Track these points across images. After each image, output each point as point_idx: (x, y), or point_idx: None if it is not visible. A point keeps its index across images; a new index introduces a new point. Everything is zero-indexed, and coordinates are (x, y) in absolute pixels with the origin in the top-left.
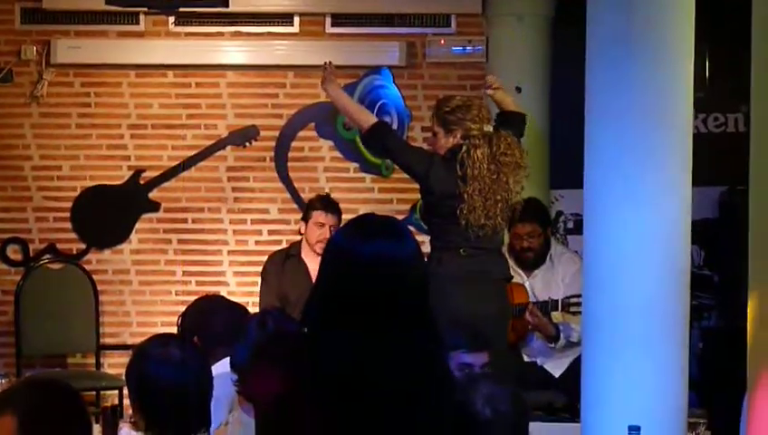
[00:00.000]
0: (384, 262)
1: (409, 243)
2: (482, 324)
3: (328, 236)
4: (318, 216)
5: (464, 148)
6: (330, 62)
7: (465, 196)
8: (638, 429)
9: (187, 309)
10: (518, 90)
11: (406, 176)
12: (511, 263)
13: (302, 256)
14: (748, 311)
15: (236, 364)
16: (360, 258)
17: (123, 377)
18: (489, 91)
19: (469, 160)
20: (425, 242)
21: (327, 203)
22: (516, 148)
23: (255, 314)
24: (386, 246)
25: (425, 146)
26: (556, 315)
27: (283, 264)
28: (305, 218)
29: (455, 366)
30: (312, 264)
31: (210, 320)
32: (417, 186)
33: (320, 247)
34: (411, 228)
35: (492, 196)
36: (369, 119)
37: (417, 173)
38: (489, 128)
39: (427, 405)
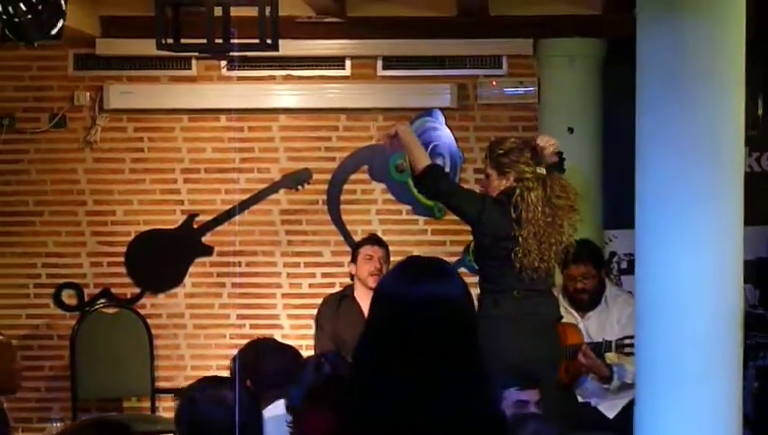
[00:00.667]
0: (433, 304)
1: (457, 284)
2: (535, 364)
3: (378, 267)
4: (365, 250)
5: (518, 191)
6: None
7: (521, 239)
8: None
9: (239, 352)
10: (570, 130)
11: (458, 218)
12: (565, 304)
13: (356, 296)
14: None
15: (291, 406)
16: (408, 301)
17: None
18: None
19: (523, 204)
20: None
21: (372, 238)
22: (570, 191)
23: (311, 356)
24: (434, 287)
25: (477, 188)
26: (610, 356)
27: (337, 307)
28: (354, 259)
29: (509, 404)
30: (366, 304)
31: (263, 363)
32: (467, 228)
33: (372, 281)
34: (464, 270)
35: (546, 239)
36: (424, 161)
37: (470, 217)
38: (542, 170)
39: None
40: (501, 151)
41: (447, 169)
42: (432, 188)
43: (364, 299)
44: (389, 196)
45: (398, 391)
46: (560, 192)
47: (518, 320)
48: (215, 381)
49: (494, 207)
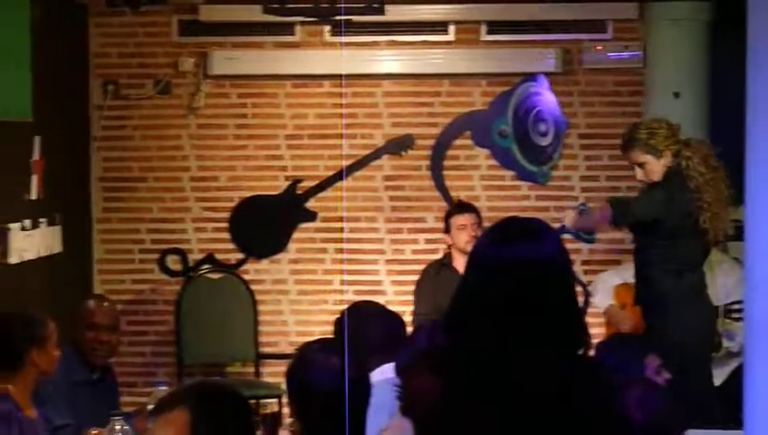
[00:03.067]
0: (527, 264)
1: (551, 243)
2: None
3: (473, 234)
4: (456, 220)
5: (683, 163)
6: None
7: (705, 206)
8: None
9: (342, 314)
10: (676, 95)
11: (562, 184)
12: None
13: (454, 264)
14: None
15: (401, 369)
16: (501, 262)
17: (282, 386)
18: None
19: (695, 172)
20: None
21: (460, 206)
22: (711, 153)
23: (424, 323)
24: (529, 247)
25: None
26: (718, 322)
27: (437, 274)
28: (447, 230)
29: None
30: None
31: (366, 328)
32: (572, 193)
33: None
34: (568, 236)
35: (721, 201)
36: (604, 214)
37: (663, 217)
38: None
39: (576, 407)
40: (646, 134)
41: (551, 136)
42: (628, 222)
43: (463, 267)
44: (493, 161)
45: (494, 353)
46: (710, 154)
47: (698, 295)
48: (325, 344)
49: (675, 191)
